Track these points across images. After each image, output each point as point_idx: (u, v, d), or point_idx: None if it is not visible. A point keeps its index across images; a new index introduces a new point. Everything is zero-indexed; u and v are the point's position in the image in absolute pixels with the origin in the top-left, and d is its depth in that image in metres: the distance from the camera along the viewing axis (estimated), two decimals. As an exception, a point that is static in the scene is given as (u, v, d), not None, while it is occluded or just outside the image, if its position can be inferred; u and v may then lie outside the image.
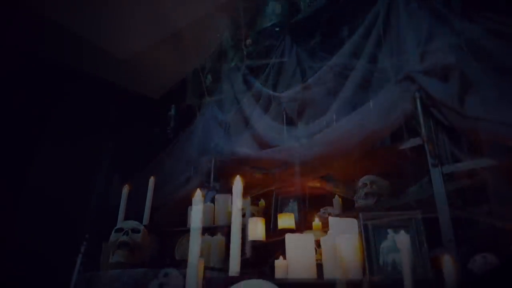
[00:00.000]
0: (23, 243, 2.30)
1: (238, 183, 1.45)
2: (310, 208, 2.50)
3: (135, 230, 2.23)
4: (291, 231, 2.55)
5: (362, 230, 2.00)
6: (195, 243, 1.27)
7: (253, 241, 2.52)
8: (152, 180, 2.20)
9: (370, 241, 1.98)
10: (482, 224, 1.92)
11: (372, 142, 2.04)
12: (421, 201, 1.91)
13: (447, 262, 1.33)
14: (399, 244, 1.43)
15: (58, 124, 2.55)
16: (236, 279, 1.14)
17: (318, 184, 2.44)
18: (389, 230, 1.97)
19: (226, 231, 2.44)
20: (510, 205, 1.78)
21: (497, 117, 1.80)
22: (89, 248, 2.42)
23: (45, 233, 2.35)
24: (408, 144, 1.99)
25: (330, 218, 1.66)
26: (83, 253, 2.36)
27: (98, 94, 2.74)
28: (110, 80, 2.81)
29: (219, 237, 2.35)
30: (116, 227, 2.22)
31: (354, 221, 1.58)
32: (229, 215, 2.16)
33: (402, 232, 1.47)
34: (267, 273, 2.28)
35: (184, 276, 2.50)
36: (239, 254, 1.34)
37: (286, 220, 2.71)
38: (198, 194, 1.37)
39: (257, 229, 2.60)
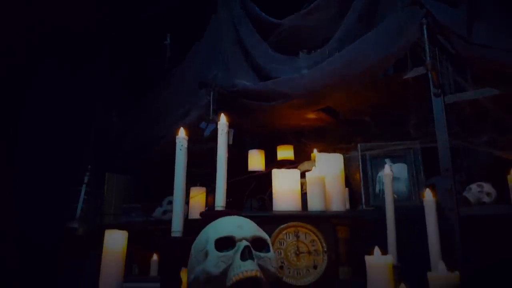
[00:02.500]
0: (24, 175, 2.35)
1: (222, 119, 1.44)
2: (309, 140, 2.51)
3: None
4: (290, 162, 2.59)
5: (360, 160, 2.02)
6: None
7: (253, 172, 2.57)
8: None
9: (367, 170, 2.01)
10: (480, 154, 1.93)
11: (375, 72, 1.98)
12: (420, 131, 1.90)
13: (427, 193, 1.35)
14: (385, 176, 1.46)
15: (54, 56, 2.49)
16: (223, 213, 1.16)
17: (318, 116, 2.42)
18: (387, 160, 1.99)
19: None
20: (510, 135, 1.77)
21: (504, 45, 1.74)
22: (92, 179, 2.47)
23: (47, 164, 2.38)
24: (412, 73, 1.94)
25: (317, 154, 1.67)
26: (87, 183, 2.42)
27: (93, 29, 2.64)
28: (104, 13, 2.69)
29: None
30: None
31: (340, 156, 1.60)
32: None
33: (386, 165, 1.50)
34: (266, 200, 2.35)
35: (188, 204, 2.60)
36: (225, 189, 1.35)
37: (285, 152, 2.75)
38: (181, 132, 1.35)
39: (256, 160, 2.64)
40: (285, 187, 1.49)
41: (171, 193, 2.65)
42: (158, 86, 2.70)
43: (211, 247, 0.97)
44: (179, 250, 1.16)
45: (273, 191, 1.52)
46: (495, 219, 1.73)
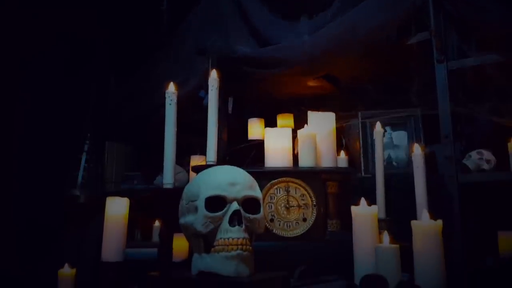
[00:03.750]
0: (25, 143, 2.35)
1: (214, 74, 1.41)
2: (309, 108, 2.49)
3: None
4: (290, 130, 2.59)
5: (360, 128, 2.02)
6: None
7: (252, 140, 2.58)
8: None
9: (367, 138, 2.01)
10: (481, 121, 1.92)
11: (379, 37, 1.94)
12: (422, 98, 1.89)
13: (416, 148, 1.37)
14: (375, 133, 1.47)
15: (51, 24, 2.43)
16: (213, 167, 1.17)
17: (318, 84, 2.39)
18: (387, 128, 1.99)
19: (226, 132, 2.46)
20: (512, 102, 1.76)
21: (510, 10, 1.70)
22: (92, 147, 2.48)
23: (46, 132, 2.38)
24: (415, 39, 1.90)
25: (309, 113, 1.68)
26: (87, 151, 2.42)
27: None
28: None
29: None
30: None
31: (332, 114, 1.60)
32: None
33: (378, 123, 1.50)
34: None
35: (188, 172, 2.62)
36: (216, 145, 1.35)
37: (285, 120, 2.74)
38: (170, 86, 1.33)
39: (256, 129, 2.64)
40: (277, 145, 1.51)
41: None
42: (155, 54, 2.66)
43: (201, 204, 0.98)
44: (169, 200, 1.18)
45: (266, 148, 1.54)
46: (494, 185, 1.74)
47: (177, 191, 1.16)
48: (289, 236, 1.37)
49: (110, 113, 2.63)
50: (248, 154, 2.62)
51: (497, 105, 1.80)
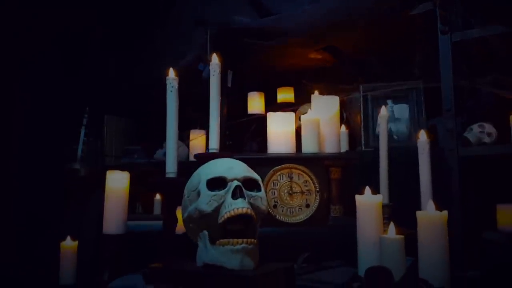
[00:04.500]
0: (24, 117, 2.33)
1: (214, 59, 1.38)
2: (310, 81, 2.46)
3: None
4: (290, 104, 2.57)
5: (361, 101, 2.00)
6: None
7: (252, 115, 2.56)
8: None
9: (368, 112, 2.00)
10: (483, 94, 1.90)
11: (381, 7, 1.89)
12: (424, 70, 1.86)
13: (422, 134, 1.35)
14: (380, 117, 1.45)
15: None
16: (216, 156, 1.17)
17: (319, 56, 2.35)
18: (389, 101, 1.97)
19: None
20: (516, 74, 1.73)
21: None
22: (90, 120, 2.46)
23: (43, 105, 2.36)
24: (419, 9, 1.85)
25: (312, 96, 1.65)
26: (85, 125, 2.41)
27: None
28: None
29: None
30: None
31: (336, 98, 1.58)
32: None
33: (383, 107, 1.48)
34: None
35: (188, 146, 2.62)
36: (218, 133, 1.34)
37: (285, 94, 2.71)
38: (171, 73, 1.31)
39: (256, 103, 2.61)
40: (279, 130, 1.49)
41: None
42: (153, 26, 2.60)
43: (203, 186, 0.99)
44: (174, 191, 1.18)
45: (268, 133, 1.52)
46: (495, 159, 1.74)
47: (181, 180, 1.15)
48: (292, 222, 1.37)
49: (109, 86, 2.60)
50: (248, 129, 2.61)
51: (499, 78, 1.78)
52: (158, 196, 2.71)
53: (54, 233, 1.87)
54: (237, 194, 0.97)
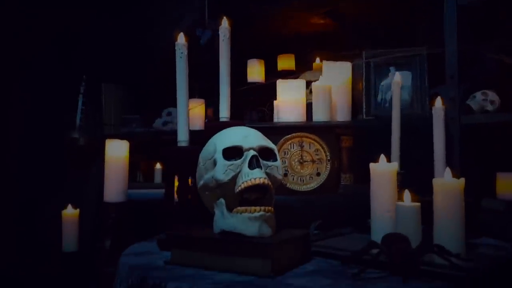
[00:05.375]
0: (19, 84, 2.30)
1: (224, 23, 1.33)
2: (311, 48, 2.41)
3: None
4: (291, 72, 2.52)
5: (364, 68, 1.96)
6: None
7: (252, 83, 2.52)
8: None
9: (370, 79, 1.96)
10: (487, 62, 1.86)
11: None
12: (428, 35, 1.81)
13: (437, 101, 1.33)
14: (393, 84, 1.40)
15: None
16: (227, 124, 1.15)
17: (322, 21, 2.29)
18: (391, 68, 1.93)
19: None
20: (523, 40, 1.69)
21: None
22: (88, 89, 2.43)
23: (40, 72, 2.32)
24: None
25: (324, 62, 1.60)
26: (83, 94, 2.38)
27: None
28: None
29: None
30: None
31: (348, 64, 1.53)
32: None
33: (397, 73, 1.44)
34: (267, 113, 2.33)
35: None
36: (229, 101, 1.31)
37: (286, 62, 2.66)
38: (180, 38, 1.26)
39: (256, 71, 2.57)
40: (290, 98, 1.45)
41: (170, 104, 2.65)
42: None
43: (219, 156, 0.99)
44: (185, 159, 1.17)
45: (278, 102, 1.49)
46: (497, 127, 1.72)
47: (194, 149, 1.13)
48: (302, 190, 1.37)
49: (105, 54, 2.55)
50: (248, 98, 2.57)
51: (506, 44, 1.73)
52: (158, 165, 2.72)
53: (55, 201, 1.89)
54: (253, 164, 0.97)
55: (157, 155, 2.73)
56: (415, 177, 1.03)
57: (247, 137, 1.01)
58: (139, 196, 1.74)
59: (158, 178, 2.65)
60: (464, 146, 1.69)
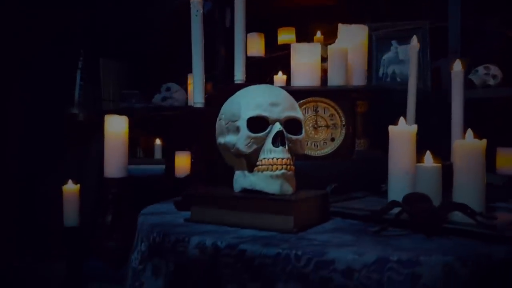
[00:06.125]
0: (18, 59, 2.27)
1: None
2: (312, 21, 2.37)
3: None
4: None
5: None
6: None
7: (252, 57, 2.48)
8: None
9: (372, 53, 1.93)
10: (490, 36, 1.83)
11: None
12: (431, 9, 1.77)
13: (457, 64, 1.31)
14: (410, 48, 1.37)
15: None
16: (241, 86, 1.11)
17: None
18: (393, 42, 1.90)
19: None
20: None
21: None
22: (86, 64, 2.40)
23: (42, 49, 2.29)
24: None
25: (340, 25, 1.54)
26: (81, 68, 2.35)
27: None
28: None
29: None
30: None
31: (365, 27, 1.47)
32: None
33: (414, 37, 1.39)
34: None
35: (186, 91, 2.57)
36: (244, 63, 1.28)
37: (287, 35, 2.62)
38: None
39: (256, 44, 2.53)
40: (304, 62, 1.41)
41: (169, 80, 2.62)
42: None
43: (243, 124, 0.96)
44: (201, 120, 1.17)
45: (292, 66, 1.44)
46: (497, 101, 1.71)
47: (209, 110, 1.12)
48: (316, 155, 1.36)
49: (103, 28, 2.51)
50: (247, 72, 2.54)
51: (508, 17, 1.70)
52: (158, 141, 2.72)
53: (56, 177, 1.89)
54: (278, 141, 0.95)
55: (157, 130, 2.73)
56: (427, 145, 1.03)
57: (275, 105, 0.97)
58: (139, 171, 1.74)
59: (158, 154, 2.65)
60: (465, 120, 1.68)
